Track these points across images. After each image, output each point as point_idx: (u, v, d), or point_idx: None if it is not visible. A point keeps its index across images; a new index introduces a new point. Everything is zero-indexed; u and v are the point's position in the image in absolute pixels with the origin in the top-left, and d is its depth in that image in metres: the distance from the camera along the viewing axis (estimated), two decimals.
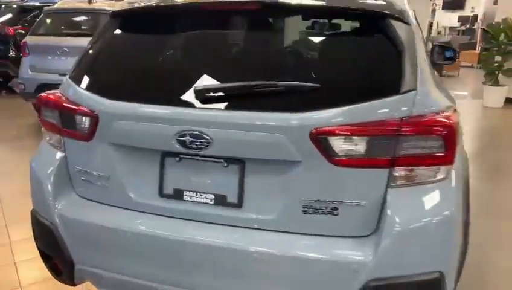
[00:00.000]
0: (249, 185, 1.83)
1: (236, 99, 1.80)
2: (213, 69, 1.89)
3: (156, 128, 1.85)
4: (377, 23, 1.85)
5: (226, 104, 1.80)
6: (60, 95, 2.16)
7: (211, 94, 1.80)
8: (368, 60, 1.81)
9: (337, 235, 1.78)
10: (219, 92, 1.80)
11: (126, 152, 1.98)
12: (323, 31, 2.03)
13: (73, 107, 2.05)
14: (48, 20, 7.22)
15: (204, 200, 1.89)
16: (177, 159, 1.90)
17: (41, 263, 2.36)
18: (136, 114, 1.89)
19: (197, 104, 1.81)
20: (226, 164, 1.84)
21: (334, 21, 1.99)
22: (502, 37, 8.81)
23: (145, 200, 1.98)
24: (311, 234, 1.79)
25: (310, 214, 1.76)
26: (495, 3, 14.73)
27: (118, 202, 2.03)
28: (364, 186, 1.72)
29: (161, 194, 1.95)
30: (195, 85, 1.82)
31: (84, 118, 2.03)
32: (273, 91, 1.75)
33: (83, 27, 6.97)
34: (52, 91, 2.29)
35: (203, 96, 1.80)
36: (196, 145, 1.80)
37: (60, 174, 2.14)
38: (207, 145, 1.78)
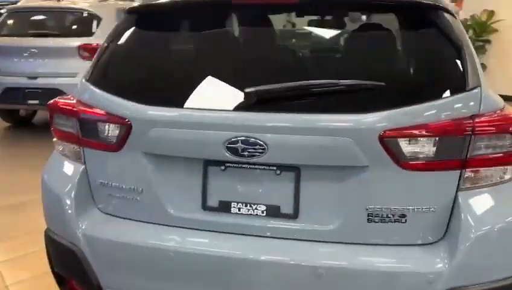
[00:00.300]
0: (305, 193, 1.68)
1: (294, 101, 1.65)
2: (263, 68, 1.73)
3: (202, 135, 1.67)
4: (431, 17, 1.74)
5: (282, 106, 1.64)
6: (76, 100, 1.93)
7: (266, 96, 1.63)
8: (430, 56, 1.70)
9: (405, 244, 1.66)
10: (275, 93, 1.63)
11: (162, 162, 1.78)
12: (379, 26, 1.90)
13: (98, 114, 1.83)
14: (12, 20, 6.74)
15: (255, 212, 1.72)
16: (223, 168, 1.73)
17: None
18: (178, 120, 1.70)
19: (250, 107, 1.64)
20: (278, 172, 1.68)
21: (388, 15, 1.86)
22: (470, 33, 9.03)
23: (185, 214, 1.79)
24: (376, 244, 1.66)
25: (375, 222, 1.63)
26: (453, 1, 15.18)
27: (153, 217, 1.83)
28: (434, 190, 1.61)
29: (204, 207, 1.77)
30: (246, 86, 1.64)
31: (111, 126, 1.81)
32: (334, 91, 1.61)
33: (51, 27, 6.56)
34: (64, 96, 2.06)
35: (257, 98, 1.63)
36: (249, 152, 1.63)
37: (80, 188, 1.92)
38: (262, 153, 1.62)
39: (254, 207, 1.72)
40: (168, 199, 1.80)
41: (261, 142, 1.61)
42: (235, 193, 1.74)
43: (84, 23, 6.38)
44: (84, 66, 6.21)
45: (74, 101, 1.93)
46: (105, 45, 2.02)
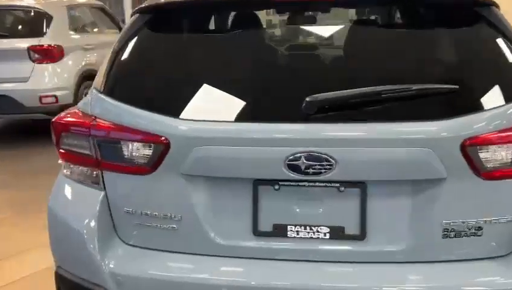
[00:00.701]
0: (373, 211, 1.51)
1: (364, 109, 1.47)
2: (321, 71, 1.54)
3: (257, 152, 1.46)
4: (490, 13, 1.63)
5: (350, 115, 1.46)
6: (91, 116, 1.64)
7: (331, 104, 1.44)
8: (500, 55, 1.58)
9: (479, 258, 1.54)
10: (341, 100, 1.45)
11: (205, 184, 1.55)
12: (442, 24, 1.74)
13: (124, 132, 1.56)
14: None
15: (316, 235, 1.53)
16: (276, 187, 1.52)
17: None
18: (229, 136, 1.47)
19: (312, 118, 1.44)
20: (342, 188, 1.50)
21: (449, 12, 1.71)
22: None
23: (233, 242, 1.57)
24: (449, 261, 1.53)
25: (450, 238, 1.50)
26: None
27: (194, 247, 1.59)
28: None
29: (256, 232, 1.55)
30: (304, 93, 1.44)
31: (142, 145, 1.55)
32: (407, 96, 1.45)
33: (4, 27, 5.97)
34: (69, 112, 1.76)
35: (320, 107, 1.43)
36: (315, 169, 1.44)
37: (101, 219, 1.64)
38: (329, 169, 1.43)
39: (315, 229, 1.53)
40: (212, 225, 1.57)
41: (328, 157, 1.42)
42: (292, 214, 1.54)
43: (33, 22, 5.87)
44: (36, 69, 5.82)
45: (87, 118, 1.65)
46: (118, 49, 1.74)
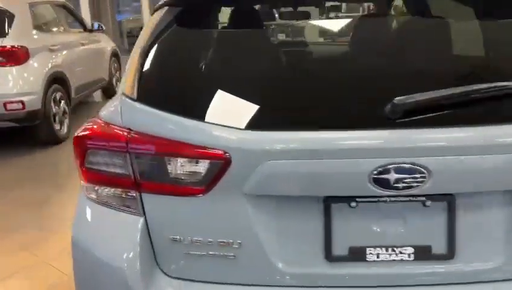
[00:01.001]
0: (462, 226, 1.34)
1: (462, 111, 1.29)
2: (405, 67, 1.35)
3: (337, 165, 1.25)
4: None
5: (446, 119, 1.27)
6: (122, 128, 1.38)
7: (424, 107, 1.25)
8: None
9: None
10: (437, 102, 1.25)
11: (270, 204, 1.33)
12: None
13: (173, 147, 1.31)
14: None
15: (399, 257, 1.34)
16: (353, 204, 1.32)
17: None
18: (305, 148, 1.25)
19: (400, 123, 1.25)
20: (428, 203, 1.32)
21: None
22: None
23: (302, 270, 1.36)
24: None
25: None
26: None
27: (256, 277, 1.37)
28: None
29: (329, 257, 1.35)
30: (389, 95, 1.24)
31: (195, 162, 1.31)
32: (505, 96, 1.28)
33: None
34: (92, 123, 1.49)
35: (410, 110, 1.24)
36: (405, 183, 1.24)
37: (142, 249, 1.39)
38: (421, 182, 1.24)
39: (398, 251, 1.34)
40: (277, 251, 1.35)
41: (422, 169, 1.23)
42: (371, 234, 1.35)
43: None
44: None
45: (119, 130, 1.39)
46: (148, 47, 1.49)
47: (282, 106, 1.34)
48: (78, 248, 1.46)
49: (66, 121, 5.73)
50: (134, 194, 1.39)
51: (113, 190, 1.43)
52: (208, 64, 1.47)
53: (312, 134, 1.26)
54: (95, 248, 1.43)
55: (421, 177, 1.24)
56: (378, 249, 1.34)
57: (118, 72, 8.29)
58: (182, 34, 1.49)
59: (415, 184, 1.24)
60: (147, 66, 1.46)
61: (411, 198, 1.31)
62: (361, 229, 1.34)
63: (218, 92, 1.39)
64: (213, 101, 1.37)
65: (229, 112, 1.34)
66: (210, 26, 1.53)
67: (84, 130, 1.44)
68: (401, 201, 1.31)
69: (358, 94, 1.34)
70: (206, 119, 1.31)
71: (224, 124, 1.28)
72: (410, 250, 1.34)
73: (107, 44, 7.93)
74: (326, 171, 1.25)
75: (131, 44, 8.24)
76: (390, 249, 1.34)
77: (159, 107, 1.37)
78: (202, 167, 1.30)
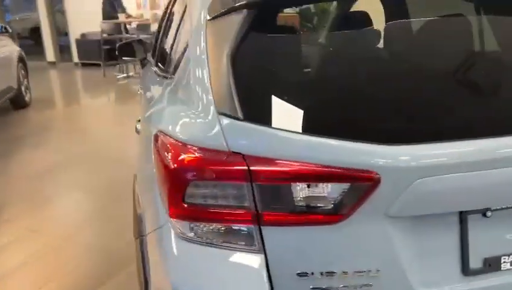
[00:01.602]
0: None
1: None
2: None
3: (490, 176, 1.17)
4: None
5: None
6: (230, 153, 1.17)
7: None
8: None
9: None
10: None
11: (409, 225, 1.22)
12: None
13: (306, 171, 1.13)
14: None
15: None
16: (489, 214, 1.26)
17: None
18: (462, 161, 1.15)
19: None
20: None
21: None
22: None
23: (441, 288, 1.27)
24: None
25: None
26: None
27: None
28: None
29: (466, 271, 1.27)
30: None
31: (332, 186, 1.15)
32: None
33: None
34: (185, 150, 1.24)
35: None
36: None
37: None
38: None
39: None
40: (415, 273, 1.24)
41: None
42: (504, 242, 1.30)
43: None
44: None
45: (232, 156, 1.17)
46: (239, 57, 1.28)
47: (435, 113, 1.23)
48: None
49: None
50: (251, 229, 1.19)
51: (223, 225, 1.21)
52: (323, 71, 1.31)
53: (465, 145, 1.17)
54: None
55: None
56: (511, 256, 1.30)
57: (25, 79, 7.45)
58: (281, 39, 1.31)
59: None
60: (246, 77, 1.26)
61: None
62: (495, 238, 1.29)
63: (351, 102, 1.24)
64: (348, 114, 1.22)
65: (372, 125, 1.20)
66: (313, 29, 1.36)
67: (182, 159, 1.20)
68: None
69: (483, 94, 1.28)
70: (343, 136, 1.15)
71: (365, 140, 1.14)
72: None
73: (12, 48, 7.08)
74: (486, 182, 1.17)
75: (22, 47, 7.42)
76: None
77: (279, 126, 1.18)
78: (343, 190, 1.15)
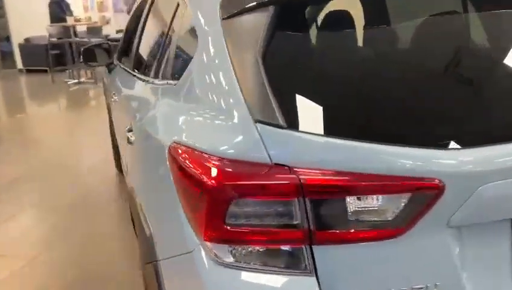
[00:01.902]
0: None
1: None
2: None
3: None
4: None
5: None
6: (274, 166, 1.04)
7: None
8: None
9: None
10: None
11: (467, 234, 1.13)
12: None
13: (364, 182, 1.02)
14: None
15: None
16: None
17: None
18: None
19: None
20: None
21: None
22: None
23: None
24: None
25: None
26: None
27: None
28: None
29: None
30: None
31: (393, 197, 1.04)
32: None
33: None
34: (217, 165, 1.09)
35: None
36: None
37: None
38: None
39: None
40: (472, 284, 1.16)
41: None
42: None
43: None
44: None
45: (275, 169, 1.04)
46: (275, 58, 1.15)
47: (493, 114, 1.15)
48: None
49: None
50: (301, 250, 1.07)
51: (268, 247, 1.07)
52: (377, 69, 1.19)
53: None
54: None
55: None
56: None
57: None
58: (324, 35, 1.19)
59: None
60: (284, 81, 1.13)
61: None
62: None
63: (410, 105, 1.14)
64: (407, 118, 1.12)
65: (430, 128, 1.10)
66: (351, 26, 1.25)
67: (215, 175, 1.05)
68: None
69: None
70: (400, 141, 1.05)
71: (425, 146, 1.04)
72: None
73: None
74: None
75: None
76: None
77: (330, 133, 1.06)
78: (403, 201, 1.05)
